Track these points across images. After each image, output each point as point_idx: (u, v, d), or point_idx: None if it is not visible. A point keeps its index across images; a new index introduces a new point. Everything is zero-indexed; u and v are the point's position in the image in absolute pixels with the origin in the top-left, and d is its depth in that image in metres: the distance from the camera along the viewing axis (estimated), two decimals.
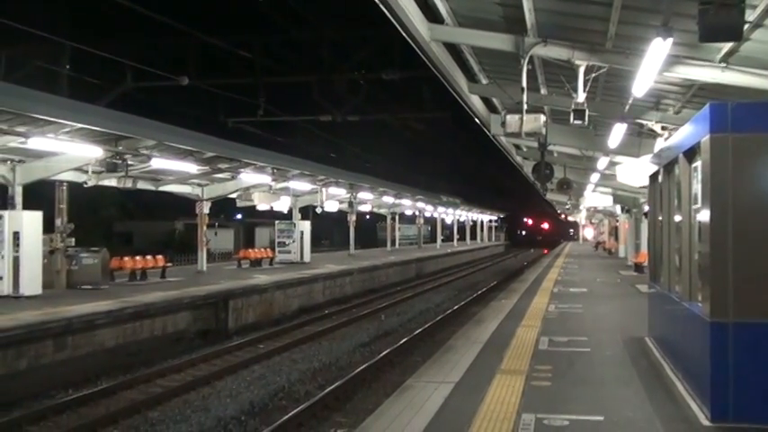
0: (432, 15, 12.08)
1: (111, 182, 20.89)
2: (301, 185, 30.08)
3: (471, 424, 6.85)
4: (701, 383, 7.20)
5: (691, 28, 8.48)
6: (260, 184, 26.94)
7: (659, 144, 15.04)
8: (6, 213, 17.17)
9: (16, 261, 16.90)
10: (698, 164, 7.29)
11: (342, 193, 35.68)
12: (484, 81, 16.95)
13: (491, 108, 19.99)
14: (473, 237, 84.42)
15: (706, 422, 6.78)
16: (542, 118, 12.96)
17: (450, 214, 68.93)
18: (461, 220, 76.89)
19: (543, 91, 16.55)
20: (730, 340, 6.66)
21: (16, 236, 16.89)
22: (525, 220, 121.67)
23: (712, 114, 6.76)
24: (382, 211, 50.86)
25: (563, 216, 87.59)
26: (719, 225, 6.68)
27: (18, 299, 16.53)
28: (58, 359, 13.83)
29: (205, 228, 27.02)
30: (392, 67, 23.62)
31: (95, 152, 16.96)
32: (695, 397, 7.45)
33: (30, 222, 17.23)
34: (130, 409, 12.08)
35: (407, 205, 50.86)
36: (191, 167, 21.00)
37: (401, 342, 18.12)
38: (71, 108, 15.61)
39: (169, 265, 25.29)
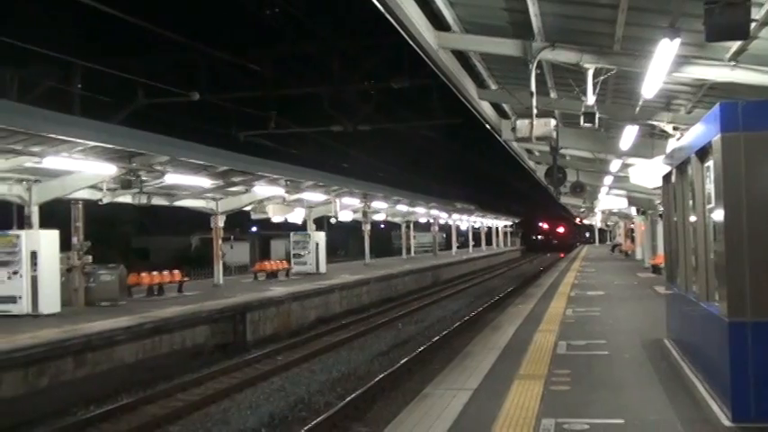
0: (438, 23, 12.13)
1: (125, 198, 21.04)
2: (315, 196, 30.15)
3: (491, 430, 6.84)
4: (721, 384, 7.16)
5: (698, 28, 8.48)
6: (274, 197, 27.04)
7: (671, 145, 14.98)
8: (23, 233, 17.33)
9: (34, 280, 17.03)
10: (710, 163, 7.27)
11: (356, 202, 35.72)
12: (493, 87, 16.97)
13: (501, 113, 20.00)
14: (488, 243, 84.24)
15: (727, 422, 6.74)
16: (553, 122, 12.98)
17: (465, 221, 68.82)
18: (476, 226, 76.72)
19: (553, 95, 16.55)
20: (749, 340, 6.62)
21: (34, 255, 17.03)
22: (540, 224, 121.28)
23: (723, 113, 6.75)
24: (396, 219, 50.85)
25: (578, 219, 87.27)
26: (734, 224, 6.66)
27: (37, 317, 16.65)
28: (79, 376, 13.91)
29: (221, 241, 27.11)
30: (401, 76, 23.70)
31: (109, 169, 17.10)
32: (716, 398, 7.41)
33: (47, 241, 17.37)
34: (152, 423, 12.15)
35: (422, 213, 50.83)
36: (204, 182, 21.11)
37: (419, 350, 18.12)
38: (84, 127, 15.75)
39: (186, 279, 25.39)
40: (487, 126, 20.04)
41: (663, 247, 15.51)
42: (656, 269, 27.26)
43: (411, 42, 11.67)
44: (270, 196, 26.65)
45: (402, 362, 16.52)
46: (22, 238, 17.11)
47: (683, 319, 9.97)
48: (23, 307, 16.89)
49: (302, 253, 32.74)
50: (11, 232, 17.72)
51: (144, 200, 21.84)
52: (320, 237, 33.49)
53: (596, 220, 71.67)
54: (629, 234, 50.73)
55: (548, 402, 7.78)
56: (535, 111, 12.74)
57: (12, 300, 16.94)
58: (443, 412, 7.55)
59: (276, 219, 30.13)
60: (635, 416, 7.18)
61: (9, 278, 16.99)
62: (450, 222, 63.54)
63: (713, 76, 11.55)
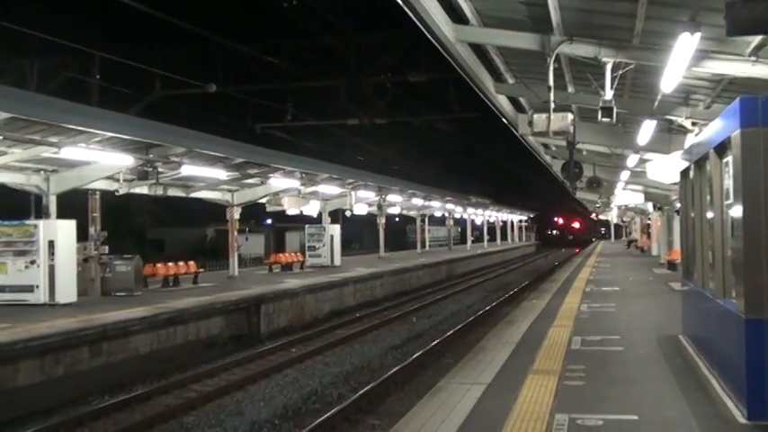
0: (456, 16, 12.08)
1: (142, 189, 21.13)
2: (330, 189, 30.17)
3: (504, 425, 6.83)
4: (736, 381, 7.10)
5: (719, 22, 8.39)
6: (289, 189, 27.09)
7: (689, 140, 14.86)
8: (41, 223, 17.46)
9: (51, 269, 17.17)
10: (729, 159, 7.20)
11: (371, 195, 35.73)
12: (510, 81, 16.89)
13: (518, 107, 19.90)
14: (503, 237, 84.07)
15: (743, 420, 6.68)
16: (570, 116, 12.87)
17: (480, 215, 68.68)
18: (491, 220, 76.59)
19: (570, 89, 16.44)
20: (766, 337, 6.56)
21: (51, 245, 17.17)
22: (556, 219, 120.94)
23: (743, 109, 6.67)
24: (411, 213, 50.82)
25: (594, 215, 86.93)
26: (752, 220, 6.59)
27: (54, 307, 16.78)
28: (94, 365, 14.01)
29: (236, 233, 27.20)
30: (418, 70, 23.66)
31: (126, 160, 17.18)
32: (731, 395, 7.35)
33: (64, 231, 17.49)
34: (166, 414, 12.21)
35: (437, 207, 50.76)
36: (220, 173, 21.17)
37: (433, 344, 18.11)
38: (102, 117, 15.83)
39: (201, 270, 25.49)
40: (504, 120, 19.95)
41: (679, 243, 15.41)
42: (671, 265, 27.09)
43: (429, 36, 11.62)
44: (285, 188, 26.70)
45: (416, 355, 16.53)
46: (39, 228, 17.25)
47: (698, 316, 9.90)
48: (40, 296, 17.03)
49: (317, 245, 32.80)
50: (28, 222, 17.86)
51: (160, 191, 21.93)
52: (335, 229, 33.52)
53: (612, 216, 71.32)
54: (645, 230, 50.45)
55: (562, 398, 7.76)
56: (552, 105, 12.65)
57: (29, 289, 17.09)
58: (457, 406, 7.55)
59: (291, 211, 30.18)
60: (649, 412, 7.15)
61: (27, 267, 17.15)
62: (465, 216, 63.42)
63: (733, 71, 11.43)
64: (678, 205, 16.34)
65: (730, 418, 6.85)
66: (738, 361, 6.87)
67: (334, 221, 35.41)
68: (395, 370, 14.88)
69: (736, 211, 6.82)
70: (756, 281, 6.57)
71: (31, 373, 12.68)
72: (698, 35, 9.09)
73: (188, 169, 19.36)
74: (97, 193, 20.01)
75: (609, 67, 12.16)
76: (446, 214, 57.17)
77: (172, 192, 23.16)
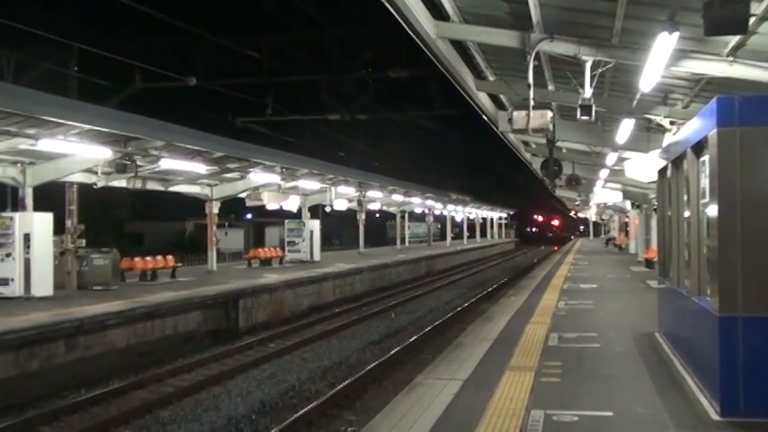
0: (438, 13, 12.09)
1: (120, 183, 20.97)
2: (310, 184, 30.10)
3: (480, 420, 6.85)
4: (711, 378, 7.18)
5: (697, 22, 8.46)
6: (269, 184, 26.99)
7: (667, 139, 14.98)
8: (17, 215, 17.26)
9: (27, 262, 16.97)
10: (706, 158, 7.26)
11: (351, 191, 35.69)
12: (491, 78, 16.94)
13: (499, 105, 19.97)
14: (483, 234, 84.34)
15: (716, 417, 6.76)
16: (549, 114, 12.96)
17: (460, 212, 68.84)
18: (471, 217, 76.82)
19: (550, 87, 16.53)
20: (740, 335, 6.64)
21: (27, 237, 16.97)
22: (535, 216, 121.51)
23: (719, 108, 6.74)
24: (392, 209, 50.84)
25: (573, 213, 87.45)
26: (728, 219, 6.66)
27: (30, 300, 16.62)
28: (70, 359, 13.90)
29: (215, 228, 27.08)
30: (400, 66, 23.65)
31: (105, 153, 17.02)
32: (705, 392, 7.43)
33: (40, 224, 17.31)
34: (142, 408, 12.13)
35: (417, 203, 50.81)
36: (199, 167, 21.05)
37: (411, 340, 18.14)
38: (80, 110, 15.69)
39: (179, 265, 25.36)
40: (484, 117, 20.01)
41: (656, 241, 15.55)
42: (648, 263, 27.32)
43: (409, 31, 11.63)
44: (265, 183, 26.59)
45: (393, 351, 16.54)
46: (15, 221, 17.06)
47: (674, 314, 9.99)
48: (16, 289, 16.84)
49: (296, 241, 32.71)
50: (4, 214, 17.65)
51: (139, 184, 21.77)
52: (315, 225, 33.46)
53: (591, 214, 71.82)
54: (624, 228, 50.83)
55: (538, 394, 7.80)
56: (532, 102, 12.73)
57: (4, 282, 16.90)
58: (434, 402, 7.56)
59: (271, 206, 30.09)
60: (624, 408, 7.20)
61: (2, 260, 16.94)
62: (445, 213, 63.54)
63: (711, 71, 11.54)
64: (656, 204, 16.49)
65: (704, 414, 6.92)
66: (712, 358, 6.94)
67: (313, 217, 35.34)
68: (373, 366, 14.89)
69: (712, 210, 6.88)
70: (730, 279, 6.64)
71: (4, 366, 12.54)
72: (676, 35, 9.17)
73: (167, 163, 19.23)
74: (75, 185, 19.83)
75: (588, 66, 12.24)
76: (426, 211, 57.24)
77: (150, 185, 23.00)
